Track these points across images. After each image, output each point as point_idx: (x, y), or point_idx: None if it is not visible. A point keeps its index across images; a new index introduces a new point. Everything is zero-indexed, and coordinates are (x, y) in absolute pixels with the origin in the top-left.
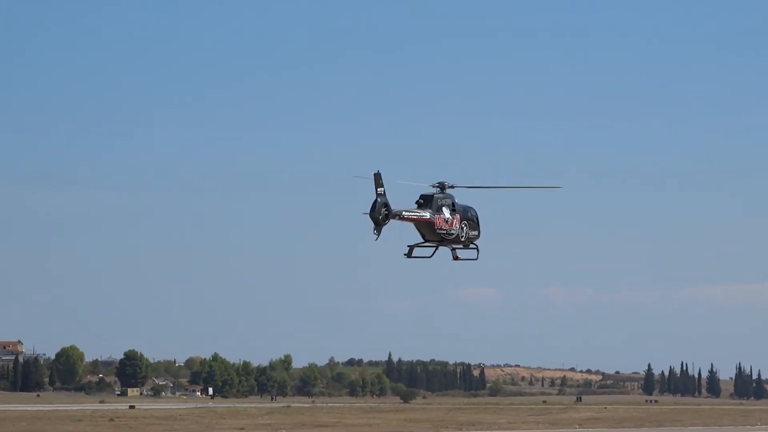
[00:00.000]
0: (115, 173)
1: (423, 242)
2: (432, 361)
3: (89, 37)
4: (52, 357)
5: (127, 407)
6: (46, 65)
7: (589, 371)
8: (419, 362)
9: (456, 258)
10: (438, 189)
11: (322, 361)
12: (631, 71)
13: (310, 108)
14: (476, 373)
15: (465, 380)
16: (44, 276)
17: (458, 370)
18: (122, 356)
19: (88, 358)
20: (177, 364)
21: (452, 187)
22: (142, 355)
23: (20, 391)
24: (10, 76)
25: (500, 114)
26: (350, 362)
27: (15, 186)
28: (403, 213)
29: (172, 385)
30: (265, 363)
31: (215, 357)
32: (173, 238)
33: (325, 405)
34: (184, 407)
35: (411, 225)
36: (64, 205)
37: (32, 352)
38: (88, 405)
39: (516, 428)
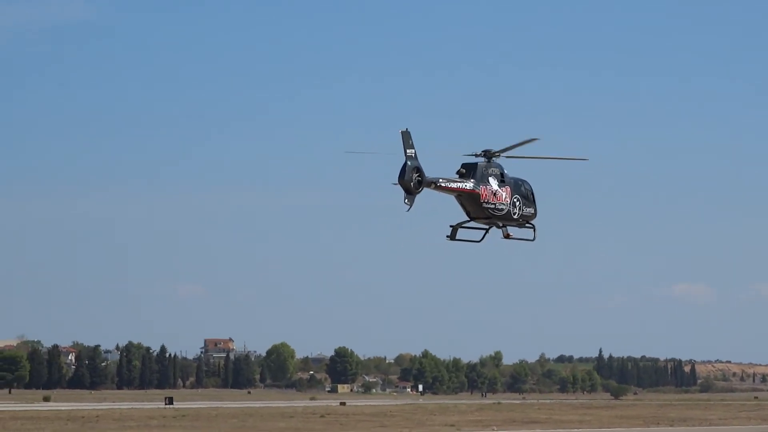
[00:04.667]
0: (302, 173)
1: (468, 221)
2: (643, 357)
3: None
4: (263, 354)
5: (338, 404)
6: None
7: None
8: (630, 358)
9: (507, 236)
10: (483, 159)
11: (532, 358)
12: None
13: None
14: (687, 369)
15: (676, 376)
16: (255, 275)
17: (669, 366)
18: (333, 353)
19: (299, 355)
20: (387, 361)
21: (498, 155)
22: (352, 352)
23: (231, 387)
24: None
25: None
26: (560, 359)
27: (222, 188)
28: (440, 181)
29: (382, 382)
30: (475, 359)
31: (425, 354)
32: (387, 238)
33: (535, 401)
34: (394, 404)
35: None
36: (271, 205)
37: (243, 350)
38: (298, 402)
39: (727, 424)
